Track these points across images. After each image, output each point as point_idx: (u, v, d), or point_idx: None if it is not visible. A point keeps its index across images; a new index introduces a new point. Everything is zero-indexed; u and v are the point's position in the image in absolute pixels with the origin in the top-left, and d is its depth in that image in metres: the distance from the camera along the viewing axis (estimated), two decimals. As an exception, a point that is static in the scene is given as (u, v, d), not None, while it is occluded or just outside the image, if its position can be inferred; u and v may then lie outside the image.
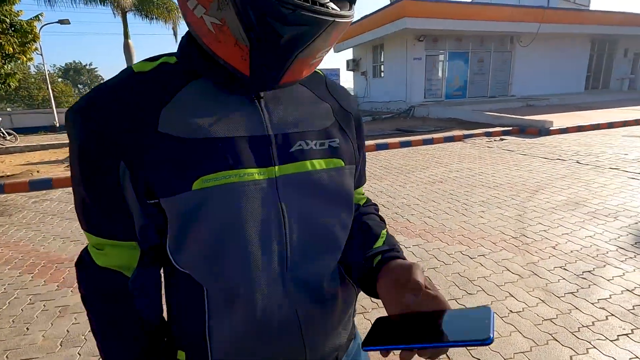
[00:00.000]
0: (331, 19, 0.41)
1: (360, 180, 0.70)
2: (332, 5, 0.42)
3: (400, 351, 0.41)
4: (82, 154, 0.47)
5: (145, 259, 0.54)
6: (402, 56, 13.94)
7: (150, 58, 0.52)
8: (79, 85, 48.59)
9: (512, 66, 15.44)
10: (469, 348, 1.92)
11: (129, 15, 13.77)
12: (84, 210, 0.51)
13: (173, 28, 14.23)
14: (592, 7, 18.14)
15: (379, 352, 0.42)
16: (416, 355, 0.42)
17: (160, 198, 0.46)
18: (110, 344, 0.55)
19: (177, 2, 0.48)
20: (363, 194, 0.74)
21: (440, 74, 14.51)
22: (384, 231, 0.63)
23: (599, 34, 16.14)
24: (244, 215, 0.48)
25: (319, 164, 0.54)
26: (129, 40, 13.74)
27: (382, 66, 16.08)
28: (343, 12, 0.43)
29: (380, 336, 0.43)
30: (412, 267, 0.48)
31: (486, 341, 0.37)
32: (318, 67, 0.55)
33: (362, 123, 0.68)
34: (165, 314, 0.60)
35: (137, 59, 14.01)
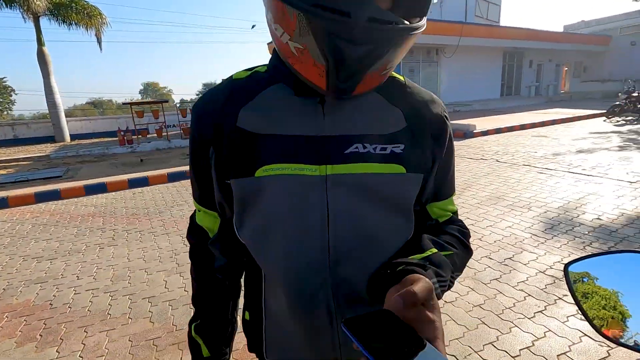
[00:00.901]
0: (400, 35, 0.46)
1: (439, 191, 0.66)
2: (401, 20, 0.46)
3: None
4: (191, 140, 0.62)
5: (223, 228, 0.66)
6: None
7: (248, 68, 0.63)
8: (-17, 98, 42.55)
9: (439, 75, 16.79)
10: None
11: (44, 21, 12.49)
12: (192, 183, 0.67)
13: (96, 35, 13.16)
14: (502, 23, 20.48)
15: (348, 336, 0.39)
16: None
17: (231, 179, 0.57)
18: (193, 284, 0.75)
19: (269, 30, 0.54)
20: (447, 210, 0.67)
21: (375, 82, 15.24)
22: (433, 250, 0.56)
23: (509, 47, 18.25)
24: (291, 205, 0.54)
25: (375, 167, 0.55)
26: (44, 48, 12.43)
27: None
28: (412, 25, 0.47)
29: (364, 325, 0.40)
30: (418, 280, 0.43)
31: None
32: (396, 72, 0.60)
33: (447, 130, 0.63)
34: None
35: (55, 67, 12.71)
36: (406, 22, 0.46)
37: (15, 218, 4.76)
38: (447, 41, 15.15)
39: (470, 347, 1.97)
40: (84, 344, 2.17)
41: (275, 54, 0.59)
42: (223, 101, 0.58)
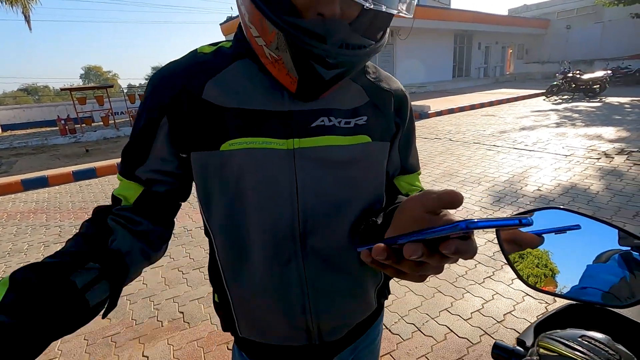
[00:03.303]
0: (368, 56, 0.50)
1: (405, 164, 0.69)
2: (368, 41, 0.49)
3: (402, 245, 0.34)
4: (142, 106, 0.59)
5: (144, 201, 0.60)
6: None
7: (212, 43, 0.62)
8: None
9: (394, 58, 17.09)
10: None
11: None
12: (126, 154, 0.61)
13: (24, 12, 11.80)
14: (452, 6, 21.13)
15: (369, 250, 0.37)
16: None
17: (191, 152, 0.56)
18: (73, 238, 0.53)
19: (240, 17, 0.54)
20: (415, 186, 0.69)
21: (333, 65, 15.23)
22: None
23: (459, 29, 18.94)
24: (260, 178, 0.54)
25: (340, 140, 0.57)
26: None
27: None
28: (378, 46, 0.51)
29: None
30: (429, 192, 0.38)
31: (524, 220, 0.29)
32: None
33: (407, 104, 0.67)
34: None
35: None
36: (371, 41, 0.50)
37: (-60, 219, 4.27)
38: (401, 23, 15.37)
39: (428, 315, 2.10)
40: (33, 348, 2.03)
41: (240, 29, 0.58)
42: (186, 74, 0.57)
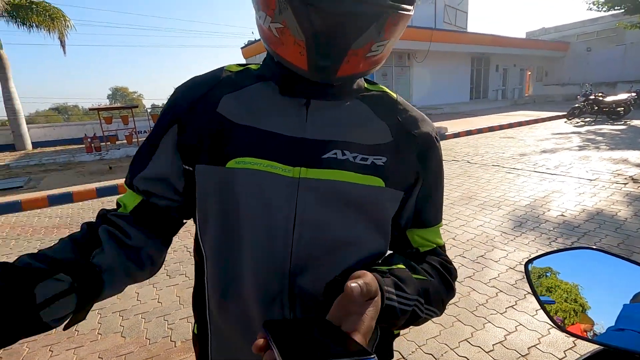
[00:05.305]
0: (382, 9, 0.43)
1: (420, 216, 0.60)
2: None
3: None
4: (159, 118, 0.59)
5: (141, 212, 0.58)
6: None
7: (241, 64, 0.62)
8: None
9: (410, 80, 17.22)
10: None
11: (1, 22, 11.82)
12: (135, 162, 0.59)
13: (60, 38, 12.57)
14: (469, 30, 21.31)
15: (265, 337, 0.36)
16: None
17: (196, 165, 0.54)
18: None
19: (257, 27, 0.53)
20: (431, 241, 0.61)
21: (350, 87, 15.46)
22: (401, 266, 0.51)
23: (476, 52, 19.01)
24: (257, 203, 0.51)
25: (352, 176, 0.52)
26: (1, 50, 11.75)
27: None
28: (397, 4, 0.44)
29: (290, 328, 0.37)
30: (363, 275, 0.42)
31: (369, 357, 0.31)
32: (392, 88, 0.54)
33: (435, 151, 0.60)
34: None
35: (15, 72, 12.04)
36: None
37: (-30, 232, 4.45)
38: (418, 46, 15.57)
39: (447, 345, 2.01)
40: (49, 364, 2.05)
41: (268, 54, 0.57)
42: (207, 85, 0.57)
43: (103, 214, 0.58)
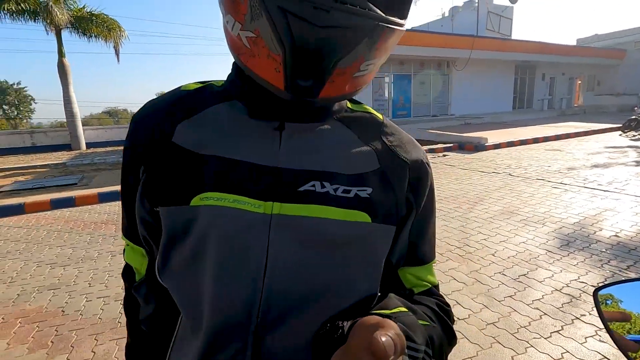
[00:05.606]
0: (373, 22, 0.37)
1: (414, 253, 0.54)
2: (375, 9, 0.37)
3: None
4: (123, 156, 0.52)
5: (152, 269, 0.52)
6: (350, 78, 14.53)
7: (201, 81, 0.55)
8: (4, 106, 44.07)
9: (450, 88, 16.77)
10: None
11: (65, 33, 12.95)
12: (122, 207, 0.55)
13: (115, 47, 13.57)
14: (514, 37, 20.48)
15: None
16: None
17: (160, 207, 0.47)
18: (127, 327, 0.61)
19: (224, 32, 0.46)
20: (425, 280, 0.54)
21: (386, 94, 15.33)
22: (402, 308, 0.44)
23: (520, 60, 18.18)
24: (223, 246, 0.44)
25: (333, 212, 0.45)
26: (64, 59, 12.86)
27: (332, 87, 16.62)
28: (389, 18, 0.38)
29: None
30: (388, 325, 0.34)
31: None
32: (378, 109, 0.49)
33: (427, 178, 0.53)
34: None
35: (73, 77, 13.12)
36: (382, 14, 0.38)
37: (30, 224, 4.86)
38: (458, 54, 15.17)
39: (484, 367, 1.91)
40: (94, 352, 2.18)
41: (234, 66, 0.50)
42: (162, 113, 0.49)
43: (131, 305, 0.59)
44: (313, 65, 0.38)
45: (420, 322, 0.44)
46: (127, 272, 0.58)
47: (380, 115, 0.55)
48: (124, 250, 0.58)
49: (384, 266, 0.51)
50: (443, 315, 0.50)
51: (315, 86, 0.39)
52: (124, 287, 0.60)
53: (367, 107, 0.56)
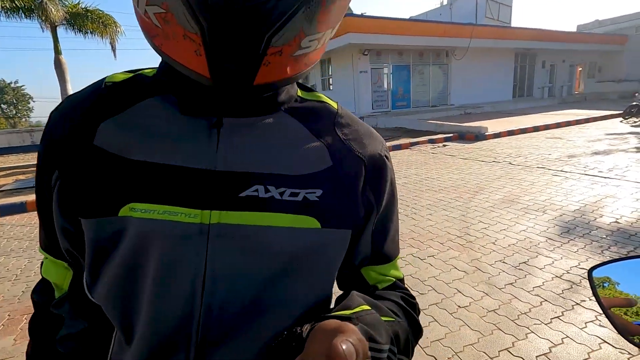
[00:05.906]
0: None
1: (378, 252, 0.50)
2: None
3: None
4: (37, 160, 0.46)
5: (77, 283, 0.48)
6: (349, 69, 14.43)
7: (131, 70, 0.47)
8: (2, 105, 44.00)
9: (449, 78, 16.65)
10: (423, 346, 2.00)
11: (60, 30, 12.85)
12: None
13: (111, 43, 13.47)
14: (513, 24, 20.28)
15: None
16: None
17: (81, 218, 0.41)
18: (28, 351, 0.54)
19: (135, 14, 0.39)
20: (389, 276, 0.51)
21: (385, 85, 15.24)
22: (365, 307, 0.41)
23: (520, 47, 18.02)
24: (155, 260, 0.39)
25: (279, 219, 0.40)
26: (60, 56, 12.78)
27: (331, 79, 16.53)
28: None
29: None
30: (347, 330, 0.31)
31: None
32: (330, 94, 0.44)
33: (386, 173, 0.48)
34: None
35: (70, 75, 13.05)
36: None
37: (33, 222, 4.88)
38: (457, 43, 15.03)
39: (485, 353, 1.94)
40: (100, 346, 2.20)
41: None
42: (81, 110, 0.43)
43: (41, 325, 0.52)
44: (240, 42, 0.32)
45: (384, 318, 0.42)
46: (43, 289, 0.51)
47: (334, 104, 0.50)
48: (41, 264, 0.52)
49: (347, 267, 0.49)
50: (409, 308, 0.48)
51: (246, 70, 0.34)
52: (33, 305, 0.53)
53: (321, 95, 0.50)
